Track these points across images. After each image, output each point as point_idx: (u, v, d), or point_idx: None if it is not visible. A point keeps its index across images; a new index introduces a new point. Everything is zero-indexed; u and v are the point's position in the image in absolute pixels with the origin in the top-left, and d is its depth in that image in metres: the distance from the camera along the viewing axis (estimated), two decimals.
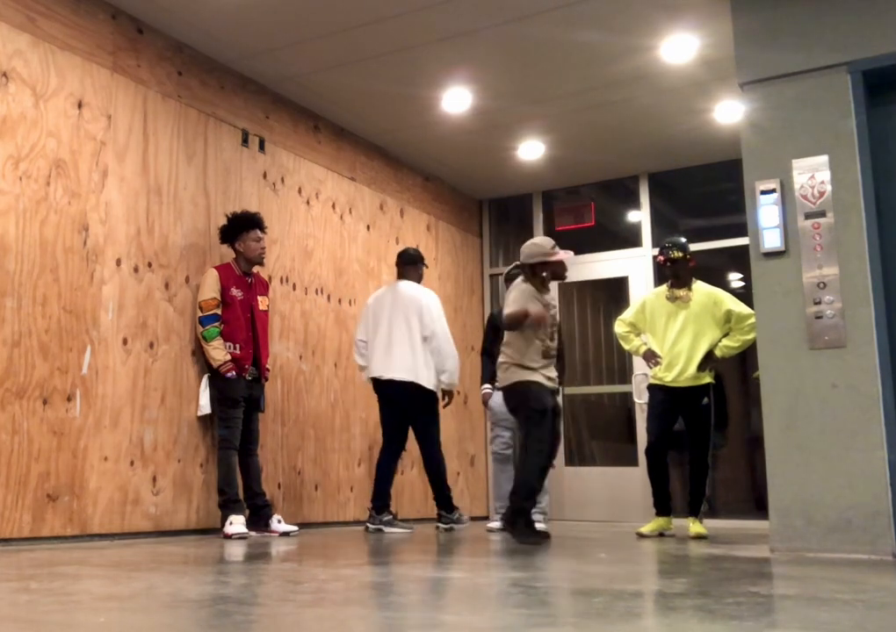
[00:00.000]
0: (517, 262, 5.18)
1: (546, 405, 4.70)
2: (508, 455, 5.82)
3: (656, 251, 6.17)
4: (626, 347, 5.74)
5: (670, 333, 5.43)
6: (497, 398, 5.66)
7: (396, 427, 5.77)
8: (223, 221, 5.36)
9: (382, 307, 5.79)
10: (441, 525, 5.77)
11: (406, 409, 5.72)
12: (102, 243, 4.70)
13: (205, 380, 5.11)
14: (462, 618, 2.13)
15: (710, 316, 5.38)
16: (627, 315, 5.72)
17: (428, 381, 5.66)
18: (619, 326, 5.71)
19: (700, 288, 5.48)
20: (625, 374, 7.56)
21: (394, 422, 5.77)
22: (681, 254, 5.48)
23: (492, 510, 5.82)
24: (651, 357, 5.51)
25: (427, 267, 6.16)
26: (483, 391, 6.15)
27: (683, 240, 5.64)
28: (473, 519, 6.99)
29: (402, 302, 5.75)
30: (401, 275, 5.97)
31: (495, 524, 5.66)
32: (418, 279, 5.96)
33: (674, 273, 5.53)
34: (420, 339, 5.65)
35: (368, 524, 5.70)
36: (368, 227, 6.83)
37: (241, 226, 5.23)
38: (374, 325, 5.78)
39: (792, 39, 4.33)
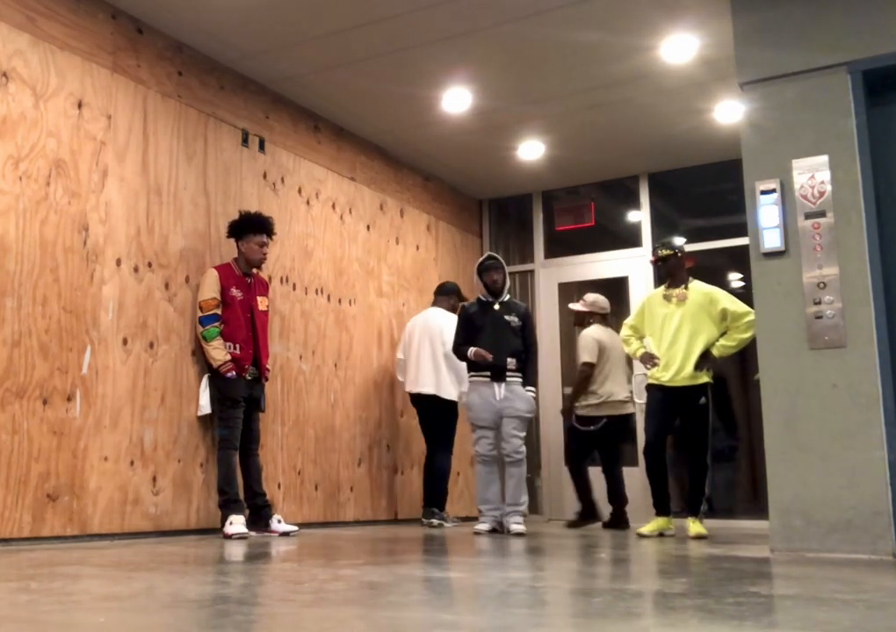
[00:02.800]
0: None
1: None
2: (494, 456, 5.52)
3: None
4: (627, 350, 5.78)
5: (667, 333, 5.43)
6: (475, 398, 5.53)
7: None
8: (223, 221, 5.37)
9: (414, 331, 6.54)
10: (435, 521, 6.25)
11: (432, 417, 6.46)
12: (102, 243, 4.70)
13: (205, 380, 5.11)
14: (462, 618, 2.13)
15: (706, 315, 5.38)
16: (630, 319, 5.78)
17: (448, 393, 6.36)
18: (623, 330, 5.77)
19: (697, 287, 5.48)
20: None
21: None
22: (670, 252, 5.49)
23: (488, 512, 5.58)
24: (648, 360, 5.52)
25: (462, 299, 6.66)
26: (462, 390, 6.29)
27: (677, 239, 5.66)
28: (473, 519, 7.00)
29: (429, 326, 6.48)
30: (434, 302, 6.75)
31: (483, 527, 5.45)
32: (449, 308, 6.61)
33: (667, 272, 5.55)
34: (441, 357, 6.36)
35: (433, 520, 6.26)
36: (368, 227, 6.83)
37: (248, 227, 5.22)
38: (408, 345, 6.52)
39: (792, 39, 4.33)
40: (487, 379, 5.50)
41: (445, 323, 6.42)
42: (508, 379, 5.49)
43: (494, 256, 5.75)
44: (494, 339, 5.52)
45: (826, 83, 4.22)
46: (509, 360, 5.50)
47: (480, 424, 5.52)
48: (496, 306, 5.62)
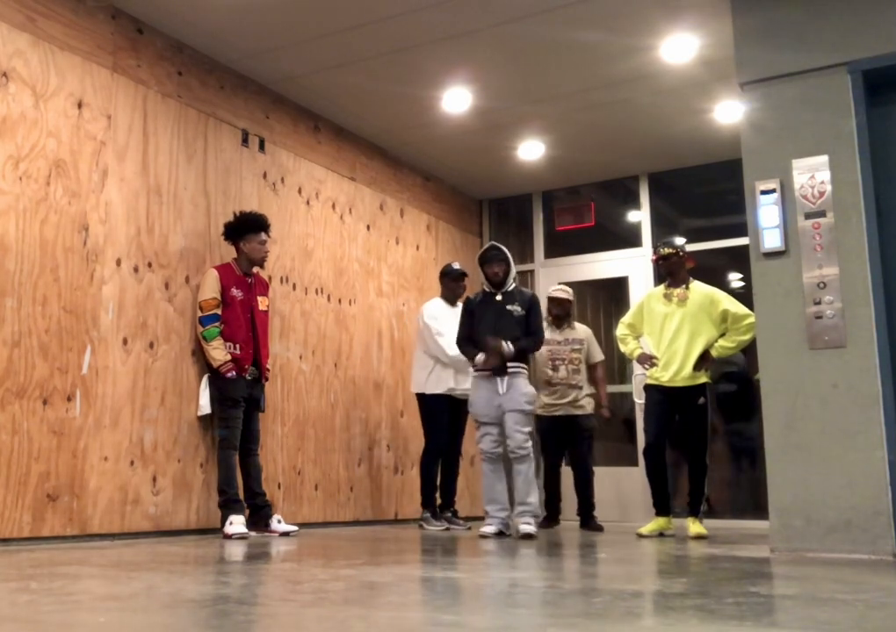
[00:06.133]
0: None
1: None
2: (499, 453, 5.25)
3: None
4: (623, 349, 5.75)
5: (667, 333, 5.44)
6: (477, 395, 5.26)
7: None
8: (223, 221, 5.36)
9: (443, 323, 6.18)
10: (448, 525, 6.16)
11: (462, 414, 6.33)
12: (102, 243, 4.70)
13: (205, 380, 5.11)
14: (462, 618, 2.13)
15: (706, 315, 5.39)
16: (626, 317, 5.76)
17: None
18: (619, 329, 5.75)
19: (697, 288, 5.49)
20: (624, 374, 7.56)
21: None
22: (672, 251, 5.49)
23: (495, 513, 5.31)
24: (646, 360, 5.51)
25: (454, 281, 6.30)
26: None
27: (678, 239, 5.66)
28: (472, 519, 6.99)
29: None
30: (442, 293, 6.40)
31: (490, 529, 5.19)
32: (445, 292, 6.36)
33: (668, 271, 5.55)
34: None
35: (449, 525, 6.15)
36: (368, 227, 6.83)
37: (248, 228, 5.21)
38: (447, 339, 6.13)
39: (792, 39, 4.33)
40: (489, 373, 5.24)
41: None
42: (510, 371, 5.20)
43: (497, 247, 5.37)
44: (494, 331, 5.23)
45: (826, 83, 4.22)
46: None
47: (483, 420, 5.26)
48: (498, 297, 5.32)
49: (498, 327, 5.24)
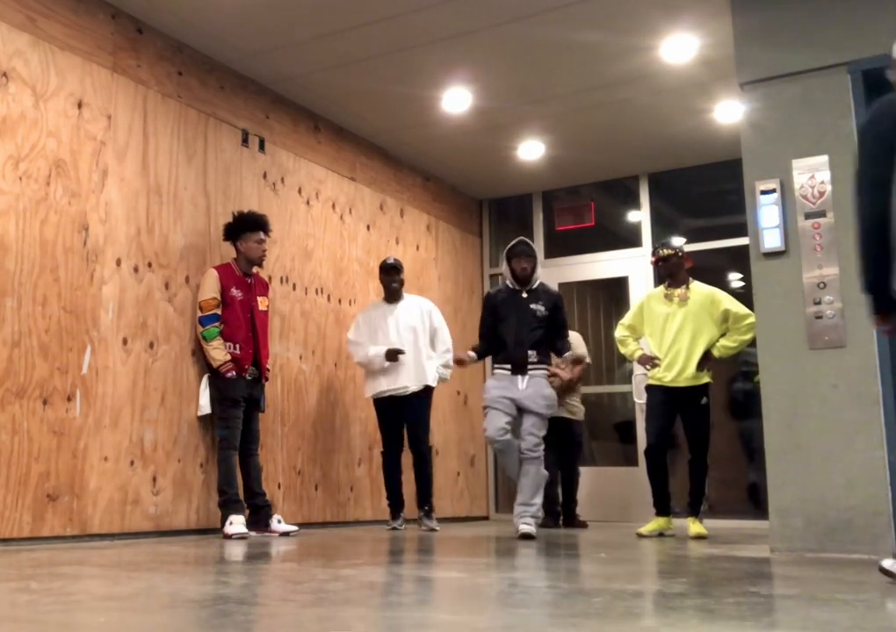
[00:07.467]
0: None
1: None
2: (507, 441, 4.95)
3: None
4: (623, 351, 5.74)
5: (669, 333, 5.44)
6: (493, 382, 5.11)
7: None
8: (223, 221, 5.36)
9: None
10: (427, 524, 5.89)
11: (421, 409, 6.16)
12: (102, 243, 4.70)
13: (205, 380, 5.11)
14: (462, 618, 2.13)
15: (708, 315, 5.39)
16: (626, 319, 5.75)
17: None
18: (618, 331, 5.75)
19: (697, 288, 5.49)
20: (625, 374, 7.56)
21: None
22: (671, 252, 5.49)
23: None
24: (647, 361, 5.51)
25: (386, 274, 6.11)
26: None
27: (676, 239, 5.66)
28: (473, 519, 7.00)
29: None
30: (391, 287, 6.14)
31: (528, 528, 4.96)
32: (383, 289, 6.19)
33: (668, 272, 5.55)
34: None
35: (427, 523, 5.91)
36: (368, 227, 6.83)
37: (245, 227, 5.22)
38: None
39: (792, 39, 4.33)
40: (509, 372, 5.07)
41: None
42: (531, 372, 5.05)
43: (527, 242, 5.22)
44: (516, 330, 5.08)
45: (826, 83, 4.22)
46: (530, 352, 5.05)
47: (494, 405, 5.02)
48: (524, 295, 5.15)
49: (520, 327, 5.10)
